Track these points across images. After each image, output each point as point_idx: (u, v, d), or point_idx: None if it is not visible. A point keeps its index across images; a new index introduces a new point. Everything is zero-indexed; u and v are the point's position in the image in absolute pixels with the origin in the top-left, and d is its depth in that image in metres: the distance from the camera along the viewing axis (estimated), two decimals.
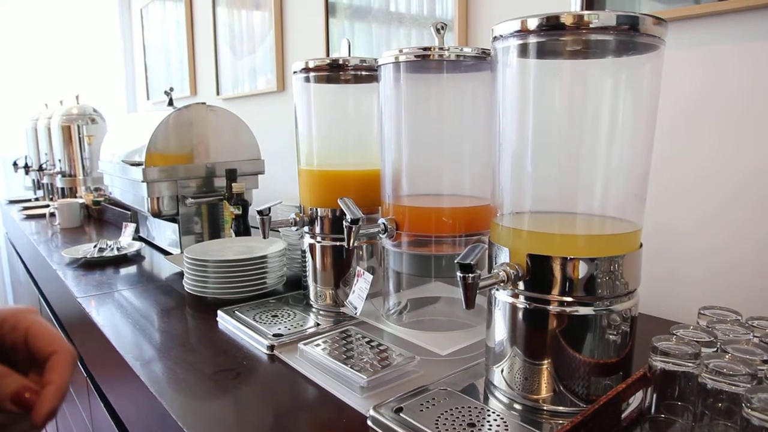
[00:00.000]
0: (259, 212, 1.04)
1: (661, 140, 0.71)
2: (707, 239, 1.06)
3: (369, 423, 0.73)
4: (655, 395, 0.65)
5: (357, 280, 1.02)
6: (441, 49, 0.85)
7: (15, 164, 3.25)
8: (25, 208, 2.83)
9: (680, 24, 1.04)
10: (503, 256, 0.70)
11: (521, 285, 0.68)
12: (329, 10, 1.99)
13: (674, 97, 1.05)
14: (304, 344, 0.94)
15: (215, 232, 1.71)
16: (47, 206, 2.57)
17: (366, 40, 1.86)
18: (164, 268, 1.61)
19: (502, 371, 0.74)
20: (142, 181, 1.60)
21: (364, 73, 1.08)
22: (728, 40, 1.01)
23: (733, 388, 0.56)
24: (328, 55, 2.00)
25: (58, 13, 3.75)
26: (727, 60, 1.01)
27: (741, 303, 1.00)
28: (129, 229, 1.90)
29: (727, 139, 1.02)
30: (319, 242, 1.12)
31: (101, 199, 2.56)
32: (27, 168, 3.22)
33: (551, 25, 0.63)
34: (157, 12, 3.54)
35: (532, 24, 0.63)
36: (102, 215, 2.57)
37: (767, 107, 0.97)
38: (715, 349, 0.65)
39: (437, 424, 0.69)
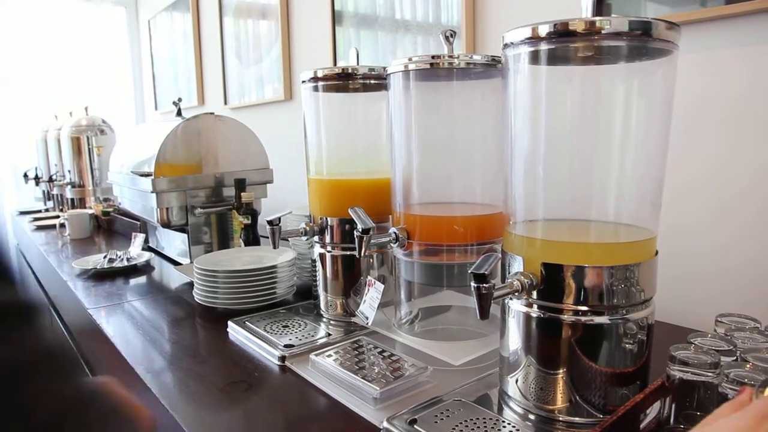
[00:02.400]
0: (269, 222, 1.04)
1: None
2: (714, 241, 1.06)
3: None
4: (673, 405, 0.64)
5: (368, 290, 1.01)
6: (450, 57, 0.85)
7: (25, 175, 3.27)
8: (36, 219, 2.85)
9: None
10: (517, 265, 0.69)
11: (535, 294, 0.68)
12: (336, 19, 2.00)
13: (678, 99, 1.05)
14: (316, 355, 0.93)
15: (224, 242, 1.71)
16: (57, 217, 2.59)
17: (372, 48, 1.86)
18: (174, 279, 1.61)
19: (516, 381, 0.73)
20: (152, 192, 1.61)
21: (372, 81, 1.08)
22: (731, 44, 1.00)
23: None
24: (335, 63, 2.01)
25: (67, 26, 3.78)
26: (730, 63, 1.01)
27: (751, 304, 1.00)
28: (138, 239, 1.91)
29: (730, 142, 1.02)
30: (329, 251, 1.11)
31: (111, 209, 2.57)
32: (37, 179, 3.24)
33: (563, 31, 0.62)
34: (165, 23, 3.57)
35: (544, 31, 0.63)
36: (111, 226, 2.58)
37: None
38: (735, 357, 0.64)
39: None
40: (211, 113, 1.76)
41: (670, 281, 1.08)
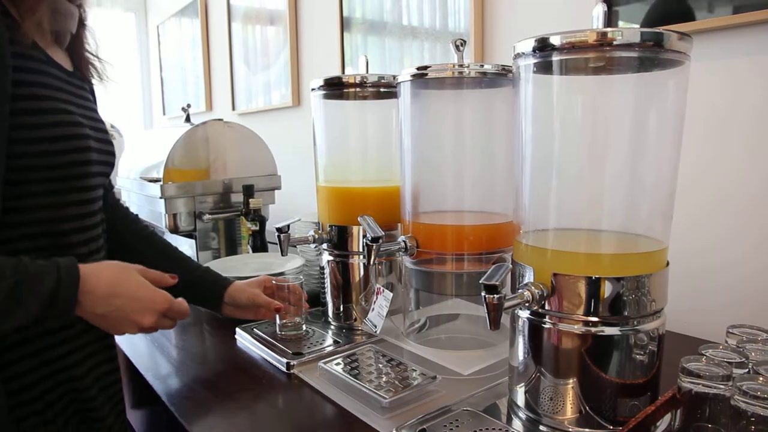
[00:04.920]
0: (278, 230, 1.04)
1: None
2: (727, 253, 1.06)
3: None
4: (684, 417, 0.64)
5: (376, 298, 1.01)
6: (461, 66, 0.85)
7: None
8: None
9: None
10: (527, 275, 0.69)
11: (546, 304, 0.67)
12: (344, 25, 2.00)
13: (695, 111, 1.05)
14: (324, 363, 0.93)
15: (232, 248, 1.72)
16: None
17: (379, 54, 1.86)
18: None
19: (526, 391, 0.72)
20: (160, 197, 1.61)
21: (382, 89, 1.08)
22: (741, 54, 1.01)
23: None
24: (343, 69, 2.01)
25: None
26: (741, 73, 1.01)
27: (761, 312, 1.00)
28: None
29: (751, 152, 1.01)
30: (337, 259, 1.11)
31: None
32: None
33: (575, 42, 0.62)
34: (174, 29, 3.59)
35: (555, 42, 0.63)
36: None
37: None
38: (747, 370, 0.63)
39: None
40: (220, 119, 1.77)
41: (678, 288, 1.09)
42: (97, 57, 0.91)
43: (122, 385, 0.91)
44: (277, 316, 1.07)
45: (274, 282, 1.09)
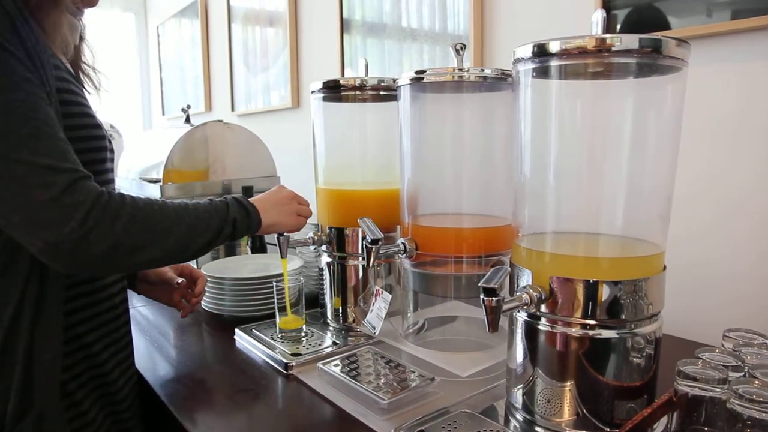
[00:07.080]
0: (278, 232, 1.04)
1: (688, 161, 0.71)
2: (731, 261, 1.06)
3: None
4: (680, 420, 0.64)
5: (375, 300, 1.02)
6: (461, 70, 0.86)
7: None
8: None
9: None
10: (525, 278, 0.69)
11: (543, 307, 0.68)
12: (344, 27, 2.01)
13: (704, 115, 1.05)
14: (323, 364, 0.93)
15: (231, 249, 1.72)
16: None
17: (379, 56, 1.87)
18: None
19: (523, 393, 0.73)
20: (160, 198, 1.61)
21: (382, 92, 1.08)
22: (755, 58, 1.01)
23: (764, 415, 0.55)
24: (342, 71, 2.02)
25: None
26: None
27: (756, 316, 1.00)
28: None
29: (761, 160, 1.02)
30: (337, 261, 1.12)
31: None
32: None
33: (573, 48, 0.63)
34: (173, 29, 3.59)
35: (554, 47, 0.63)
36: None
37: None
38: (743, 373, 0.64)
39: None
40: (220, 121, 1.78)
41: (676, 293, 1.09)
42: (93, 68, 0.97)
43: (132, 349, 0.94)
44: (278, 317, 1.08)
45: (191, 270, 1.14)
